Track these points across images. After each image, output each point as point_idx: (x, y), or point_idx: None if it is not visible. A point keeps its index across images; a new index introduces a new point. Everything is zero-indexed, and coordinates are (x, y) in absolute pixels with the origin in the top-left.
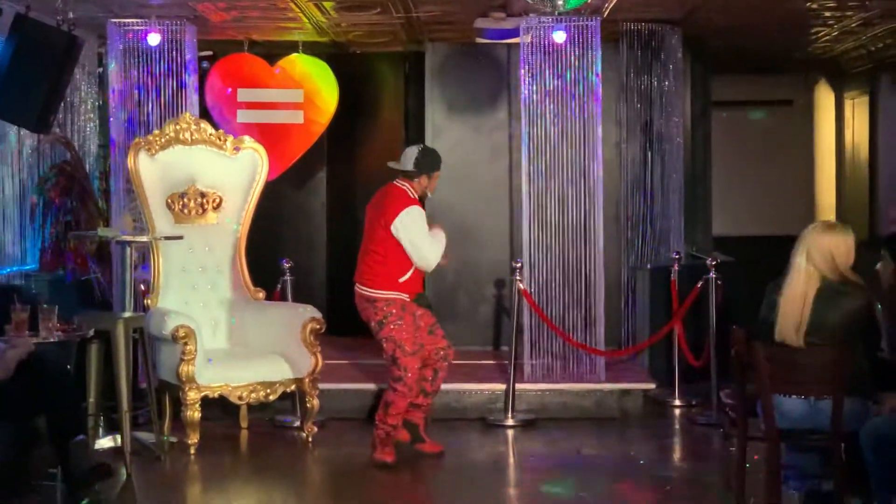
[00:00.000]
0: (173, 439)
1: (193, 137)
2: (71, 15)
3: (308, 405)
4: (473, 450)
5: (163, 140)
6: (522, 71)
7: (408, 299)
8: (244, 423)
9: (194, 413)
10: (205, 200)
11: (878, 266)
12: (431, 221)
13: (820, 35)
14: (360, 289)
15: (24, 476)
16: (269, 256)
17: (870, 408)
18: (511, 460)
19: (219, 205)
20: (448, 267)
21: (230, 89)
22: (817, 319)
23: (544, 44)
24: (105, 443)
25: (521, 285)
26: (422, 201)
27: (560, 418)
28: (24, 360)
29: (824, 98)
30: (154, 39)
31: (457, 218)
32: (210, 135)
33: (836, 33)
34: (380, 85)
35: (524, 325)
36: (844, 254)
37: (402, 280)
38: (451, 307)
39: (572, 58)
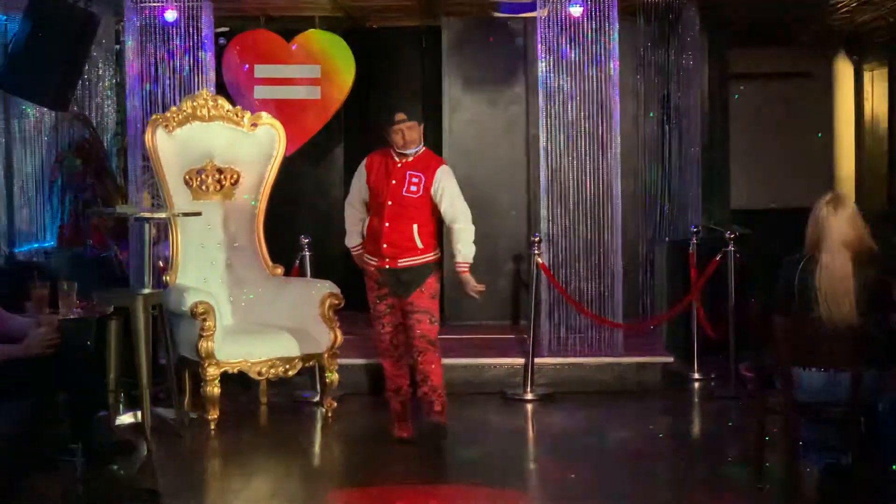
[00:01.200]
0: (193, 415)
1: (211, 114)
2: None
3: (327, 380)
4: (492, 424)
5: (180, 117)
6: (539, 45)
7: (373, 264)
8: (263, 399)
9: (214, 389)
10: (222, 177)
11: None
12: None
13: (838, 6)
14: None
15: (43, 451)
16: (287, 232)
17: (887, 380)
18: (530, 434)
19: (237, 181)
20: None
21: (247, 65)
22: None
23: (561, 18)
24: (125, 419)
25: (539, 259)
26: (405, 156)
27: (579, 392)
28: (51, 342)
29: (843, 70)
30: (171, 16)
31: (473, 192)
32: (227, 111)
33: (854, 4)
34: (396, 60)
35: (543, 299)
36: (860, 225)
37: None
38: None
39: (589, 31)
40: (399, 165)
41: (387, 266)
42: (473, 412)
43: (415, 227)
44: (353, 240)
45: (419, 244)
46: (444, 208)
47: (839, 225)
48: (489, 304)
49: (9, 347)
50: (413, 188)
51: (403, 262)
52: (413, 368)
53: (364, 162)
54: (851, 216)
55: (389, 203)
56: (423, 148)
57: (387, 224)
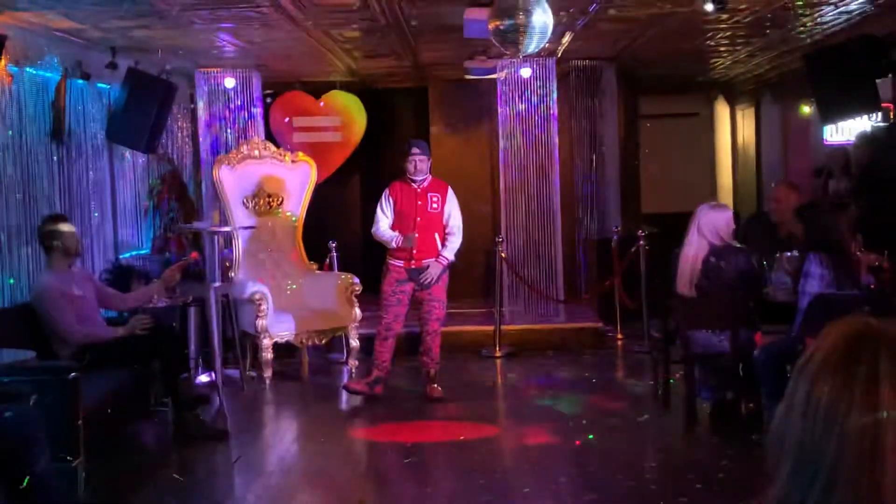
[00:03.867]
0: (253, 374)
1: (261, 154)
2: (168, 66)
3: (350, 346)
4: (472, 375)
5: (238, 156)
6: (499, 98)
7: (399, 265)
8: (304, 360)
9: (267, 355)
10: (271, 199)
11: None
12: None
13: (717, 64)
14: None
15: (144, 403)
16: (319, 238)
17: (755, 336)
18: (499, 381)
19: (281, 203)
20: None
21: (287, 118)
22: (709, 274)
23: (515, 78)
24: (203, 378)
25: (502, 254)
26: (416, 182)
27: (534, 350)
28: (147, 324)
29: (722, 110)
30: (230, 83)
31: None
32: (274, 151)
33: (729, 62)
34: (396, 112)
35: (505, 283)
36: (725, 226)
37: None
38: (453, 270)
39: (535, 87)
40: (419, 190)
41: (413, 266)
42: (457, 366)
43: (436, 235)
44: (392, 235)
45: (440, 247)
46: (447, 220)
47: (708, 220)
48: (467, 287)
49: (116, 329)
50: (434, 206)
51: (427, 262)
52: (420, 340)
53: (387, 192)
54: (720, 217)
55: (418, 219)
56: (430, 176)
57: (416, 235)
